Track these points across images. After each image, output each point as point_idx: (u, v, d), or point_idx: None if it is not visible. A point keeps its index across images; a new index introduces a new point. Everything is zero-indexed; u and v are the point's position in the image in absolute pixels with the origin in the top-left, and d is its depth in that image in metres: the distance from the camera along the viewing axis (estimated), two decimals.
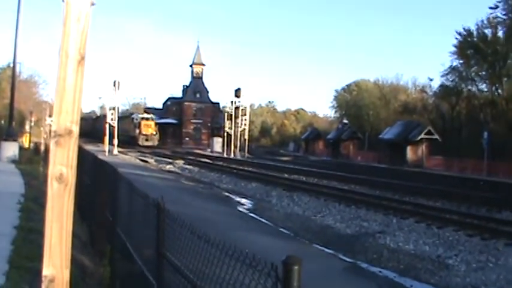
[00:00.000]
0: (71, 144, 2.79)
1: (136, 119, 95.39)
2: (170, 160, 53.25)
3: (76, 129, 2.80)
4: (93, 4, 2.82)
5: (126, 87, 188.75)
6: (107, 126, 58.34)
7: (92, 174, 13.33)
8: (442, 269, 13.64)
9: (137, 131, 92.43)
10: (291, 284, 2.72)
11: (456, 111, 73.35)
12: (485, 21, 65.75)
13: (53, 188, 2.76)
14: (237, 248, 3.36)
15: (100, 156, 15.26)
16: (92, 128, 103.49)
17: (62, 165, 2.76)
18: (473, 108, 70.14)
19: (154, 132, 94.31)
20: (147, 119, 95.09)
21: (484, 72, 67.30)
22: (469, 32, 67.43)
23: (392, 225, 19.50)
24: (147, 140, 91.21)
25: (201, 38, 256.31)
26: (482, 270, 13.45)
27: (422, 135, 60.25)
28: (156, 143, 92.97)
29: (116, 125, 59.14)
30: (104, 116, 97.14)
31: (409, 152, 61.47)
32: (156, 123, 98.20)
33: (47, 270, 2.73)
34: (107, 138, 57.49)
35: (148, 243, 5.97)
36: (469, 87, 70.58)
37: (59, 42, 2.78)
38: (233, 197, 28.27)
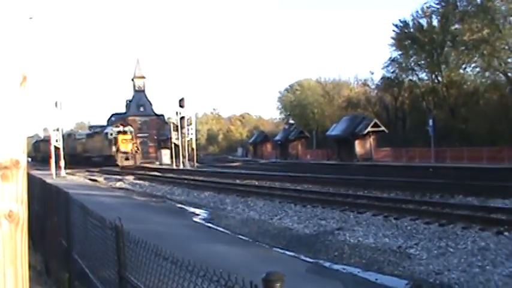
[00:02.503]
0: (19, 176, 2.45)
1: (112, 134, 76.91)
2: (120, 177, 52.41)
3: (23, 159, 2.47)
4: (31, 18, 2.54)
5: (69, 107, 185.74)
6: (52, 148, 57.10)
7: (41, 200, 12.88)
8: (404, 259, 13.60)
9: (114, 148, 75.02)
10: None
11: (399, 101, 74.52)
12: (420, 12, 67.08)
13: (2, 229, 2.42)
14: (206, 264, 3.13)
15: (48, 180, 14.79)
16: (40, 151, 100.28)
17: (11, 201, 2.44)
18: (416, 97, 71.39)
19: (136, 149, 77.91)
20: (124, 132, 77.16)
21: (423, 62, 68.69)
22: (405, 23, 68.87)
23: (350, 221, 19.45)
24: (127, 158, 74.57)
25: (140, 52, 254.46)
26: (443, 256, 13.48)
27: (369, 129, 60.76)
28: (138, 161, 76.92)
29: (60, 146, 57.89)
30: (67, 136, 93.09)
31: (357, 146, 61.94)
32: (136, 137, 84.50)
33: None
34: (52, 160, 56.14)
35: (109, 267, 5.69)
36: (410, 77, 71.95)
37: None
38: (187, 208, 27.89)
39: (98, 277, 6.58)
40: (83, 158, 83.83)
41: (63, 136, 67.17)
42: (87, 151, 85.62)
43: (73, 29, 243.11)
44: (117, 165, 70.55)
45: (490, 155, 46.51)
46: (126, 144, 75.10)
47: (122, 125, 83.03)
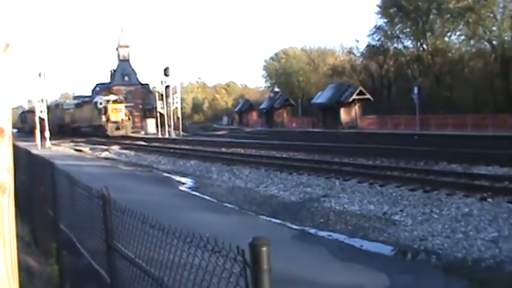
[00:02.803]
0: (4, 143, 2.42)
1: (101, 103, 73.04)
2: (105, 147, 52.20)
3: (9, 126, 2.44)
4: None
5: (53, 78, 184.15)
6: (37, 119, 56.67)
7: (27, 171, 12.83)
8: (389, 226, 13.74)
9: (103, 118, 71.09)
10: (261, 267, 2.52)
11: (384, 69, 74.56)
12: None
13: None
14: (192, 232, 3.15)
15: (33, 151, 14.72)
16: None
17: None
18: (401, 65, 71.43)
19: (127, 118, 74.21)
20: (115, 101, 73.95)
21: (408, 29, 68.51)
22: None
23: (335, 188, 19.57)
24: (118, 128, 70.81)
25: (124, 21, 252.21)
26: (427, 222, 13.63)
27: (354, 96, 60.79)
28: (129, 131, 73.71)
29: (45, 117, 57.40)
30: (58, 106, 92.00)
31: (343, 114, 62.01)
32: (127, 106, 79.46)
33: None
34: (37, 131, 55.67)
35: (97, 237, 5.68)
36: (395, 45, 71.84)
37: None
38: (173, 177, 27.90)
39: (86, 246, 6.58)
40: (71, 129, 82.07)
41: (49, 107, 66.43)
42: (75, 121, 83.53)
43: None
44: (108, 136, 67.57)
45: (474, 122, 46.71)
46: (116, 113, 71.92)
47: (111, 93, 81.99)
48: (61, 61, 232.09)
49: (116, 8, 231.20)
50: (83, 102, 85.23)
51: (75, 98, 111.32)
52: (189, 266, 3.34)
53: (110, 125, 70.44)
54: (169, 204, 17.46)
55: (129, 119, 75.15)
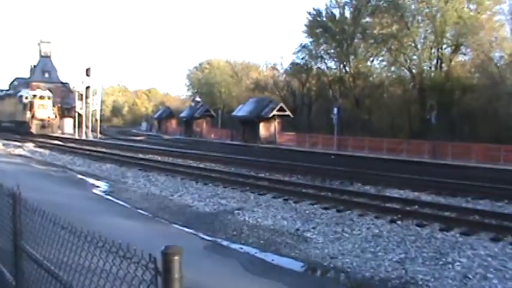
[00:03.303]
0: None
1: (27, 98, 66.38)
2: (19, 143, 50.82)
3: None
4: None
5: None
6: None
7: None
8: (301, 242, 13.86)
9: (28, 114, 64.93)
10: (172, 276, 2.52)
11: (306, 88, 75.55)
12: (334, 2, 68.19)
13: None
14: (104, 236, 3.09)
15: None
16: None
17: None
18: (323, 85, 72.53)
19: (54, 116, 67.81)
20: (42, 97, 67.14)
21: (332, 51, 69.76)
22: (318, 12, 69.73)
23: (250, 202, 19.63)
24: (43, 126, 64.65)
25: (48, 16, 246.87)
26: (339, 241, 13.83)
27: (275, 112, 61.28)
28: (56, 130, 67.88)
29: None
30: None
31: (262, 129, 62.39)
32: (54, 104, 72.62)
33: None
34: None
35: (4, 236, 5.52)
36: (319, 64, 72.94)
37: None
38: (88, 179, 27.41)
39: None
40: None
41: None
42: None
43: None
44: (32, 134, 61.96)
45: (389, 146, 47.89)
46: (43, 109, 65.52)
47: (38, 87, 73.28)
48: None
49: (42, 1, 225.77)
50: (5, 95, 78.56)
51: None
52: (99, 271, 3.29)
53: (35, 122, 64.51)
54: (82, 207, 17.13)
55: (55, 117, 68.84)
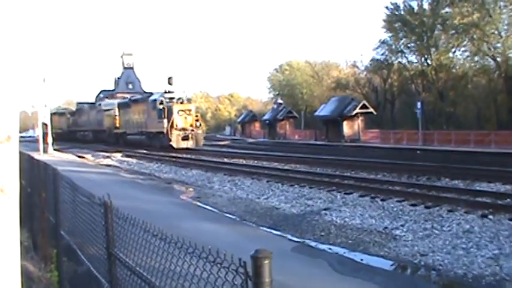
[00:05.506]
0: (11, 151, 2.43)
1: (162, 103, 51.97)
2: (107, 154, 52.07)
3: (16, 134, 2.45)
4: None
5: (55, 84, 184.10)
6: (40, 124, 55.72)
7: (29, 176, 12.81)
8: (390, 241, 13.71)
9: (166, 123, 49.95)
10: (263, 280, 2.54)
11: (388, 84, 74.46)
12: None
13: None
14: (194, 242, 3.15)
15: (36, 156, 14.72)
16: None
17: (4, 176, 2.41)
18: (405, 79, 71.29)
19: (198, 124, 52.70)
20: (182, 101, 53.02)
21: (412, 44, 68.38)
22: (396, 6, 68.53)
23: (336, 201, 19.55)
24: (185, 138, 49.93)
25: (130, 29, 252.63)
26: (428, 238, 13.61)
27: (358, 110, 60.64)
28: (201, 143, 52.36)
29: (48, 122, 56.38)
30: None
31: (346, 127, 61.87)
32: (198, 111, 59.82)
33: None
34: (40, 136, 54.81)
35: (98, 244, 5.69)
36: (400, 59, 71.62)
37: None
38: (175, 186, 27.89)
39: (86, 253, 6.58)
40: (111, 136, 67.18)
41: (69, 110, 63.49)
42: (120, 126, 65.00)
43: (61, 4, 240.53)
44: (172, 147, 49.31)
45: (477, 138, 46.66)
46: (185, 118, 50.81)
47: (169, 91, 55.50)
48: (64, 67, 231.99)
49: (122, 15, 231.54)
50: (132, 100, 63.40)
51: (78, 104, 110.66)
52: (190, 276, 3.34)
53: (175, 133, 49.71)
54: (169, 213, 17.42)
55: (200, 124, 54.33)
